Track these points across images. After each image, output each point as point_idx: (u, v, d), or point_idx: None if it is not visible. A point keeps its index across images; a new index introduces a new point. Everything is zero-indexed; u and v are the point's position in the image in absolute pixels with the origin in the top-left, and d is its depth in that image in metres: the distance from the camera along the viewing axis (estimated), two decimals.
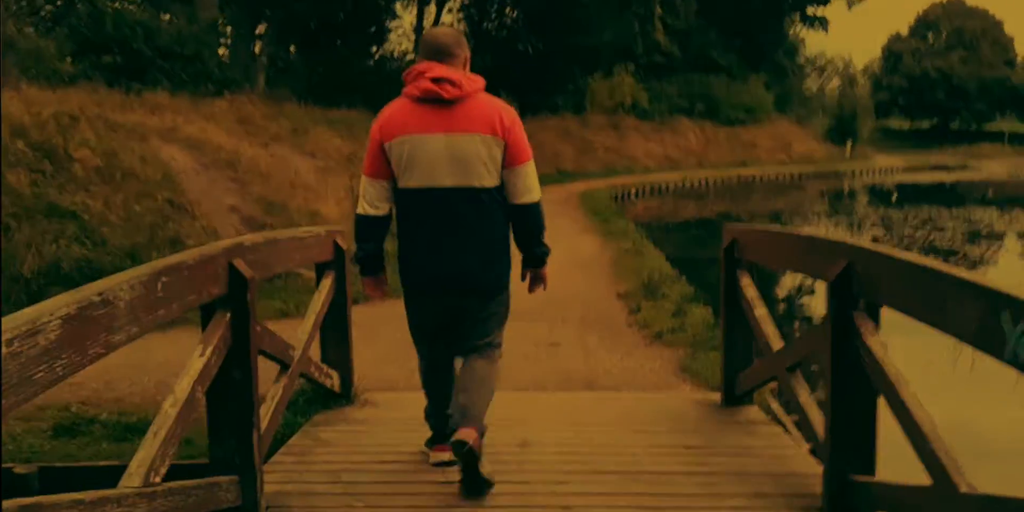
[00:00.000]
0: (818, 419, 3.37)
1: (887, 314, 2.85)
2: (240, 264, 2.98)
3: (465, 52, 3.24)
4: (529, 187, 3.25)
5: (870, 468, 2.96)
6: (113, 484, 2.25)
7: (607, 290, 8.52)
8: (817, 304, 9.93)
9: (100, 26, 15.54)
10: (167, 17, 19.08)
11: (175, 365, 3.16)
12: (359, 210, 3.36)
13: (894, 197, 25.90)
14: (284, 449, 3.85)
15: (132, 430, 4.47)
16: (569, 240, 12.09)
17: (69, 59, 14.76)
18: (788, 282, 12.17)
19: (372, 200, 3.29)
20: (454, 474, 3.26)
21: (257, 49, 22.62)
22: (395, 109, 3.21)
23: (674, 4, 32.25)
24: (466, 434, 3.08)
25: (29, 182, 7.41)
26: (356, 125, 19.81)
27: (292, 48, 25.82)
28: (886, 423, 2.79)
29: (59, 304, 1.89)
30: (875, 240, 15.29)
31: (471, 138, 3.11)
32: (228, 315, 2.94)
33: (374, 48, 28.47)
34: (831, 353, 2.98)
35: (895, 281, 2.70)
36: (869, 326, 2.86)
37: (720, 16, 38.32)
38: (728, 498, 3.18)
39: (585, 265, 10.11)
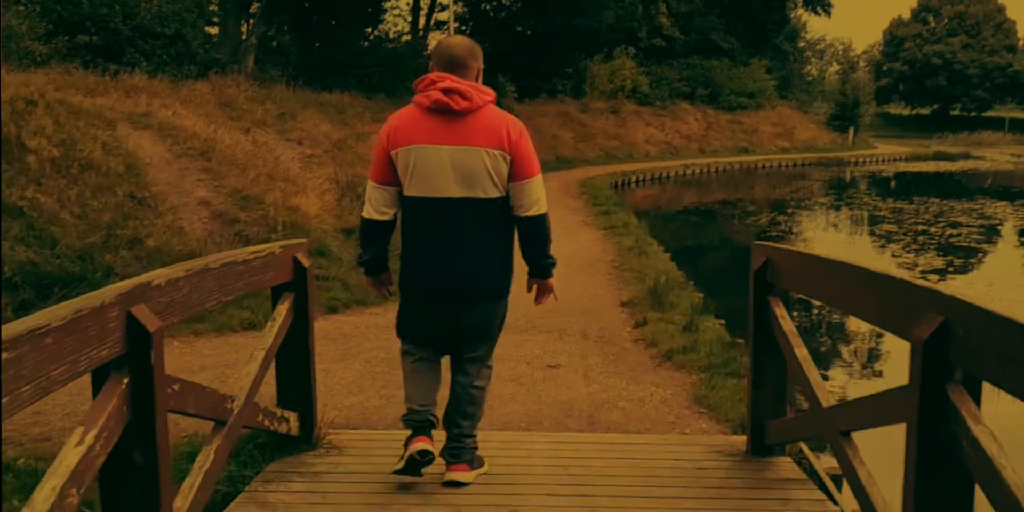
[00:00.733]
0: (880, 499, 2.71)
1: None
2: (142, 313, 2.28)
3: (479, 64, 3.26)
4: (536, 200, 3.24)
5: None
6: None
7: (609, 297, 7.83)
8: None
9: (76, 4, 14.71)
10: None
11: None
12: (364, 214, 3.39)
13: (901, 188, 25.16)
14: None
15: None
16: (568, 235, 11.39)
17: (42, 39, 13.94)
18: None
19: (378, 206, 3.31)
20: None
21: (247, 29, 21.73)
22: (404, 117, 3.22)
23: None
24: (458, 475, 3.40)
25: None
26: (348, 109, 19.06)
27: (284, 28, 24.92)
28: None
29: None
30: (889, 236, 14.62)
31: (477, 151, 3.11)
32: (125, 381, 2.24)
33: (369, 29, 27.57)
34: (917, 434, 2.29)
35: (1008, 349, 2.00)
36: (968, 405, 2.16)
37: None
38: None
39: (585, 266, 9.41)
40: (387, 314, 6.79)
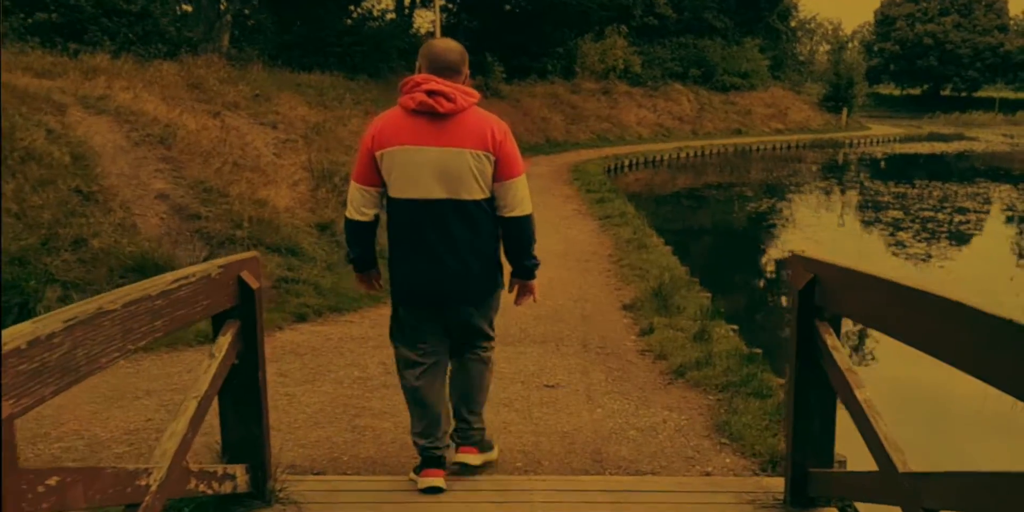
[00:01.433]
0: None
1: None
2: None
3: (467, 69, 3.28)
4: (520, 201, 3.25)
5: None
6: None
7: (609, 298, 7.14)
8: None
9: None
10: None
11: None
12: (348, 215, 3.37)
13: (900, 171, 24.52)
14: None
15: None
16: (562, 226, 10.70)
17: None
18: None
19: (359, 206, 3.31)
20: None
21: (223, 6, 20.77)
22: (388, 119, 3.22)
23: None
24: (466, 457, 3.50)
25: None
26: (328, 91, 18.19)
27: (262, 6, 23.95)
28: None
29: None
30: (897, 224, 13.96)
31: (462, 152, 3.13)
32: None
33: (352, 6, 26.61)
34: None
35: None
36: None
37: None
38: None
39: (582, 261, 8.72)
40: (363, 322, 6.11)
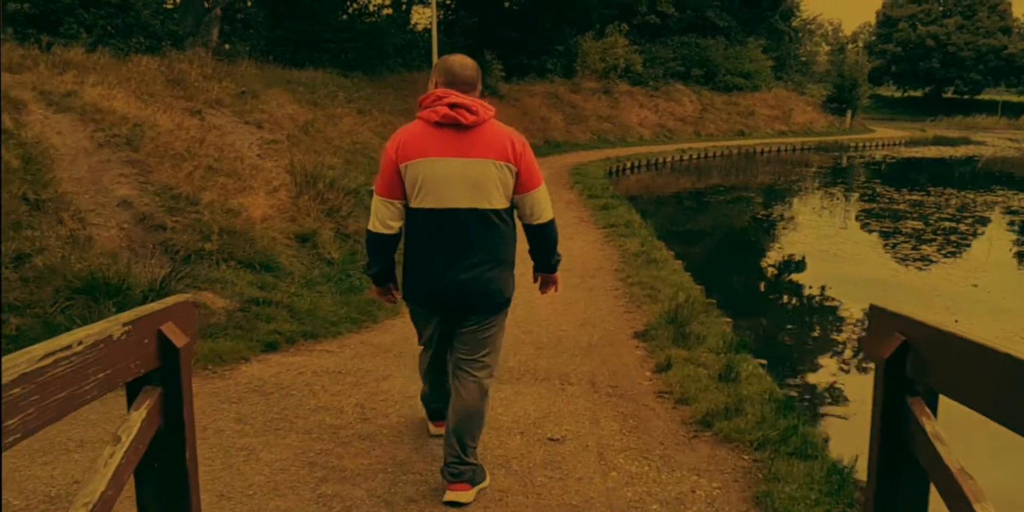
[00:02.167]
0: None
1: None
2: None
3: (480, 84, 3.41)
4: (543, 209, 3.43)
5: None
6: None
7: (619, 323, 6.41)
8: None
9: None
10: None
11: None
12: (371, 228, 3.43)
13: (911, 176, 23.78)
14: None
15: None
16: (565, 236, 9.87)
17: None
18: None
19: (384, 219, 3.37)
20: None
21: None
22: (411, 132, 3.31)
23: None
24: (457, 495, 3.46)
25: None
26: (320, 88, 17.44)
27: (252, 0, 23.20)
28: None
29: None
30: (919, 235, 13.22)
31: (485, 163, 3.25)
32: None
33: (347, 1, 25.84)
34: None
35: None
36: None
37: None
38: None
39: (587, 277, 8.00)
40: (342, 352, 5.39)
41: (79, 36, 12.00)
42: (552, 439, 4.21)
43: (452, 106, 3.21)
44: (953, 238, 13.25)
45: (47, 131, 7.34)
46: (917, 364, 2.38)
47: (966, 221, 14.95)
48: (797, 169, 25.41)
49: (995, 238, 13.23)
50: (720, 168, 24.70)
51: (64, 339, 2.03)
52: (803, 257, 11.95)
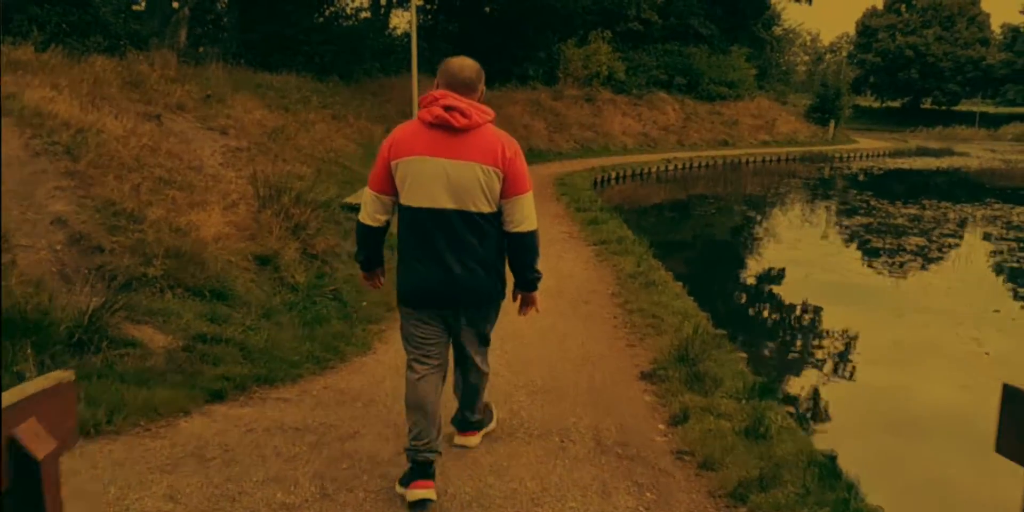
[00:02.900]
0: None
1: None
2: None
3: (482, 86, 3.47)
4: (526, 217, 3.40)
5: None
6: None
7: (621, 361, 5.65)
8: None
9: None
10: None
11: None
12: (361, 219, 3.52)
13: (902, 189, 23.19)
14: None
15: None
16: (553, 253, 9.17)
17: None
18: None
19: (373, 213, 3.47)
20: None
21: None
22: (407, 130, 3.38)
23: None
24: (466, 439, 3.97)
25: None
26: (292, 92, 16.59)
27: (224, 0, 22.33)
28: None
29: None
30: (924, 253, 12.56)
31: (472, 166, 3.27)
32: None
33: (324, 4, 24.96)
34: None
35: None
36: None
37: None
38: None
39: (579, 302, 7.24)
40: (302, 400, 4.58)
41: (31, 34, 11.11)
42: None
43: (447, 108, 3.25)
44: (960, 256, 12.61)
45: None
46: None
47: (970, 237, 14.34)
48: (786, 180, 24.81)
49: (1008, 258, 12.56)
50: (707, 179, 24.05)
51: None
52: (805, 276, 11.25)
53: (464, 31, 27.76)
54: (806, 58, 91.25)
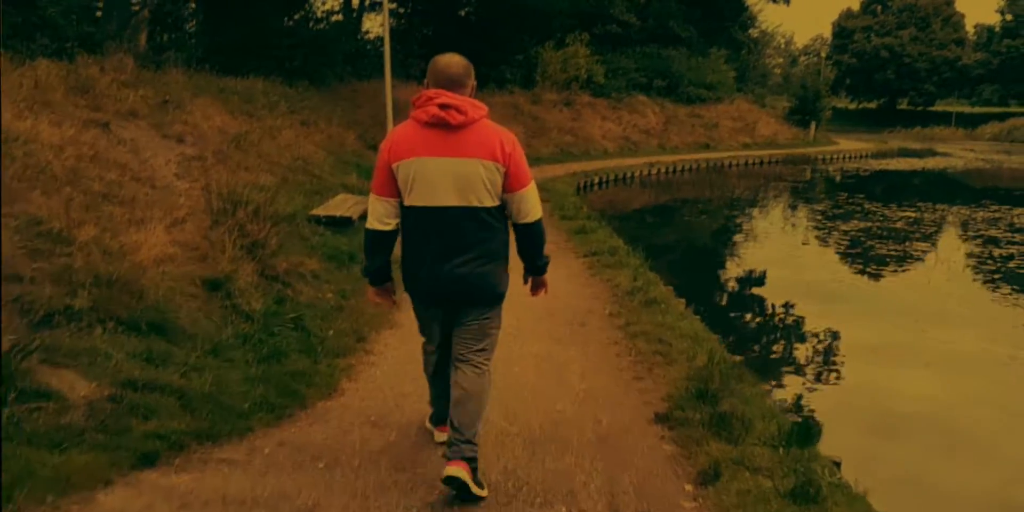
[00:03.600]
0: None
1: None
2: None
3: (472, 81, 3.49)
4: (532, 208, 3.46)
5: None
6: None
7: (630, 398, 4.87)
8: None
9: None
10: None
11: None
12: (368, 226, 3.51)
13: (893, 191, 22.60)
14: None
15: None
16: None
17: None
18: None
19: (380, 217, 3.46)
20: None
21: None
22: (404, 132, 3.39)
23: None
24: (456, 470, 3.37)
25: None
26: (258, 98, 15.68)
27: (189, 2, 21.39)
28: None
29: None
30: (928, 257, 11.89)
31: (474, 162, 3.30)
32: None
33: (293, 7, 24.05)
34: None
35: None
36: None
37: None
38: None
39: (574, 324, 6.45)
40: (251, 462, 3.76)
41: None
42: None
43: (442, 106, 3.26)
44: (971, 264, 11.94)
45: None
46: None
47: (976, 241, 13.69)
48: (772, 183, 24.19)
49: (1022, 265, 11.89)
50: (692, 183, 23.38)
51: None
52: (809, 284, 10.52)
53: (439, 34, 26.98)
54: (780, 60, 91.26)
